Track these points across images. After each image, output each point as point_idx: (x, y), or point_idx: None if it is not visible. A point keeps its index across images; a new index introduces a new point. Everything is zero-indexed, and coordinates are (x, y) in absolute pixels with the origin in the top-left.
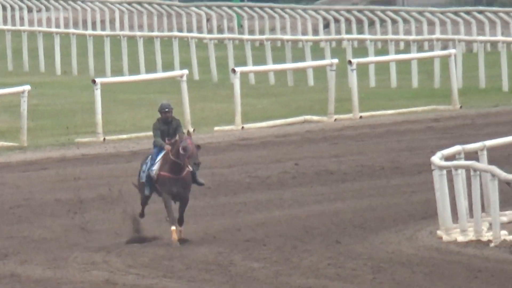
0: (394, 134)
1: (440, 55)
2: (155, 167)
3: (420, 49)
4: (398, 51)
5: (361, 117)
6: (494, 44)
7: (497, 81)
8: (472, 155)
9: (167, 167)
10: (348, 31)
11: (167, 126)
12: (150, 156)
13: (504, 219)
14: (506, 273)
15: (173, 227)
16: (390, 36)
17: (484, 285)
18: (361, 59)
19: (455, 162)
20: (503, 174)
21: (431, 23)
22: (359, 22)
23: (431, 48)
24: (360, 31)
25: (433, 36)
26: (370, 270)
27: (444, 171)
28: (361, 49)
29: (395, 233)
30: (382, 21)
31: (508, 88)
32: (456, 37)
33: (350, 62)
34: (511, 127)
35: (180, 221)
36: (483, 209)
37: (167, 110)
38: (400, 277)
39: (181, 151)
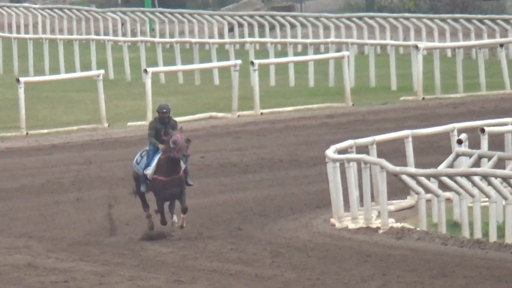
0: (292, 129)
1: (334, 56)
2: (150, 170)
3: (316, 51)
4: (296, 53)
5: (262, 113)
6: (383, 47)
7: (386, 80)
8: (363, 149)
9: (163, 170)
10: (251, 35)
11: (163, 125)
12: (146, 152)
13: (392, 207)
14: (393, 257)
15: (176, 218)
16: (289, 39)
17: (373, 269)
18: (262, 60)
19: (347, 155)
20: (391, 167)
21: (326, 28)
22: (261, 26)
23: (326, 50)
24: (262, 34)
25: (328, 40)
26: (269, 255)
27: (337, 164)
28: (262, 51)
29: (292, 221)
30: (282, 26)
31: (396, 87)
32: (349, 40)
33: (252, 63)
34: (398, 123)
35: (184, 210)
36: (372, 198)
37: (164, 111)
38: (296, 261)
39: (171, 145)
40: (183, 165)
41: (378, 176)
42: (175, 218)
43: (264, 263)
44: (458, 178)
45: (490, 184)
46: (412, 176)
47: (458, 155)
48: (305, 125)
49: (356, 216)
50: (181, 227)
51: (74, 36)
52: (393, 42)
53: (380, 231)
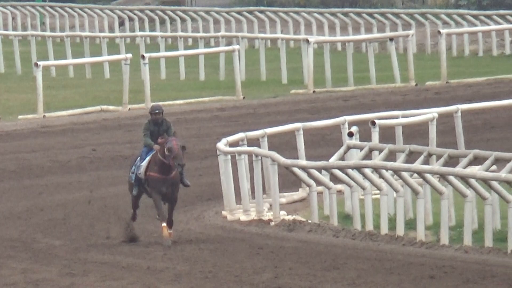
0: (183, 122)
1: (225, 50)
2: (142, 168)
3: (207, 45)
4: (186, 47)
5: None
6: (274, 40)
7: (276, 74)
8: (254, 142)
9: (156, 167)
10: (141, 29)
11: (157, 127)
12: (139, 157)
13: (283, 200)
14: (284, 250)
15: (164, 224)
16: (179, 33)
17: (265, 261)
18: (153, 54)
19: (238, 148)
20: (282, 159)
21: (216, 22)
22: (151, 20)
23: (217, 44)
24: (152, 28)
25: (219, 34)
26: (161, 247)
27: (229, 156)
28: (153, 45)
29: (184, 213)
30: (172, 20)
31: (286, 80)
32: (239, 34)
33: (143, 56)
34: (289, 116)
35: (170, 224)
36: (264, 191)
37: (157, 111)
38: (188, 253)
39: (166, 152)
40: (177, 169)
41: (270, 168)
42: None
43: (156, 256)
44: (349, 171)
45: (381, 176)
46: (304, 168)
47: (349, 148)
48: (196, 118)
49: (248, 209)
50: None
51: None
52: (283, 36)
53: (272, 224)
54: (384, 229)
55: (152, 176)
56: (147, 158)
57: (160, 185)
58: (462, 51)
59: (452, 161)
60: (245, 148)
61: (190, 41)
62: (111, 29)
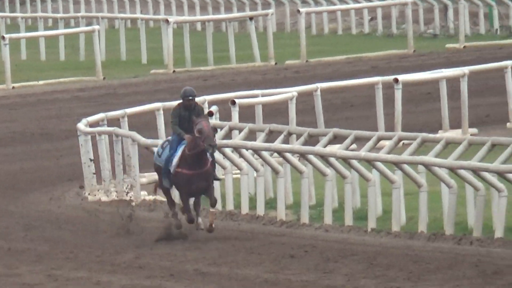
0: (44, 103)
1: (84, 31)
2: (174, 164)
3: (67, 25)
4: (47, 28)
5: (13, 87)
6: (134, 21)
7: (136, 54)
8: (115, 122)
9: (186, 162)
10: (1, 9)
11: (188, 112)
12: (168, 143)
13: (144, 180)
14: (147, 230)
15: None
16: (39, 14)
17: (126, 241)
18: (13, 35)
19: (98, 128)
20: (142, 139)
21: (76, 2)
22: (11, 1)
23: (77, 25)
24: (13, 9)
25: (79, 14)
26: (22, 228)
27: (89, 137)
28: (13, 26)
29: (45, 194)
30: (32, 1)
31: (146, 60)
32: (99, 14)
33: (3, 37)
34: (149, 96)
35: (213, 203)
36: (124, 171)
37: (190, 98)
38: (49, 234)
39: (196, 134)
40: (209, 158)
41: (130, 148)
42: (200, 220)
43: (17, 237)
44: None
45: (241, 156)
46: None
47: None
48: (56, 99)
49: (109, 189)
50: (210, 229)
51: None
52: (143, 16)
53: (133, 204)
54: (245, 209)
55: (181, 173)
56: (179, 153)
57: (191, 183)
58: (321, 29)
59: (312, 140)
60: (105, 128)
61: (50, 21)
62: None
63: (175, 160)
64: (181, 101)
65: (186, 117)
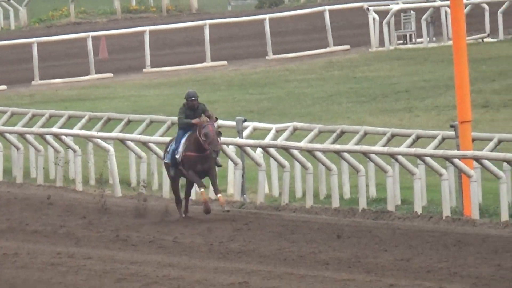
0: None
1: None
2: (180, 150)
3: None
4: None
5: None
6: None
7: None
8: None
9: (192, 147)
10: None
11: (193, 111)
12: (174, 139)
13: None
14: None
15: (202, 189)
16: None
17: None
18: None
19: None
20: None
21: None
22: None
23: None
24: None
25: None
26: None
27: None
28: None
29: None
30: None
31: None
32: None
33: None
34: None
35: (216, 190)
36: None
37: (193, 98)
38: None
39: (202, 137)
40: (213, 155)
41: None
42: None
43: None
44: None
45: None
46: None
47: None
48: None
49: None
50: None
51: None
52: None
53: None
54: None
55: (188, 155)
56: (183, 140)
57: (196, 163)
58: None
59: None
60: None
61: None
62: None
63: (181, 147)
64: (185, 101)
65: (191, 115)
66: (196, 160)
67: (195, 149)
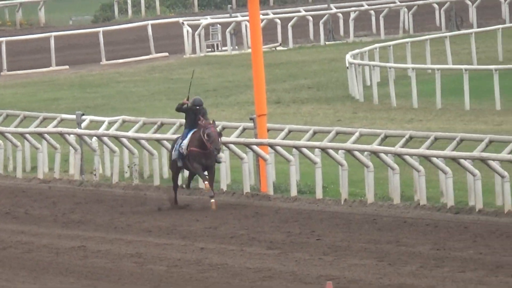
0: None
1: None
2: (185, 145)
3: None
4: None
5: None
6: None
7: None
8: None
9: (196, 143)
10: None
11: (194, 115)
12: (181, 138)
13: None
14: None
15: (206, 182)
16: None
17: None
18: None
19: None
20: None
21: None
22: None
23: None
24: None
25: None
26: None
27: None
28: None
29: None
30: None
31: None
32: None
33: None
34: None
35: (209, 181)
36: None
37: (198, 108)
38: None
39: (205, 137)
40: (215, 153)
41: None
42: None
43: None
44: None
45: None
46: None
47: None
48: None
49: None
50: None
51: None
52: None
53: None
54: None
55: (193, 151)
56: (188, 136)
57: (200, 158)
58: None
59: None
60: None
61: None
62: None
63: (185, 141)
64: (191, 105)
65: (192, 116)
66: (200, 155)
67: (198, 146)
